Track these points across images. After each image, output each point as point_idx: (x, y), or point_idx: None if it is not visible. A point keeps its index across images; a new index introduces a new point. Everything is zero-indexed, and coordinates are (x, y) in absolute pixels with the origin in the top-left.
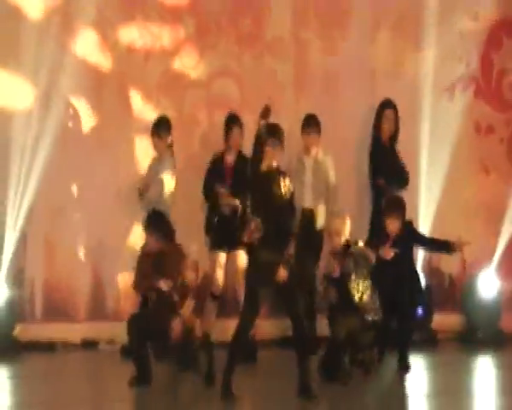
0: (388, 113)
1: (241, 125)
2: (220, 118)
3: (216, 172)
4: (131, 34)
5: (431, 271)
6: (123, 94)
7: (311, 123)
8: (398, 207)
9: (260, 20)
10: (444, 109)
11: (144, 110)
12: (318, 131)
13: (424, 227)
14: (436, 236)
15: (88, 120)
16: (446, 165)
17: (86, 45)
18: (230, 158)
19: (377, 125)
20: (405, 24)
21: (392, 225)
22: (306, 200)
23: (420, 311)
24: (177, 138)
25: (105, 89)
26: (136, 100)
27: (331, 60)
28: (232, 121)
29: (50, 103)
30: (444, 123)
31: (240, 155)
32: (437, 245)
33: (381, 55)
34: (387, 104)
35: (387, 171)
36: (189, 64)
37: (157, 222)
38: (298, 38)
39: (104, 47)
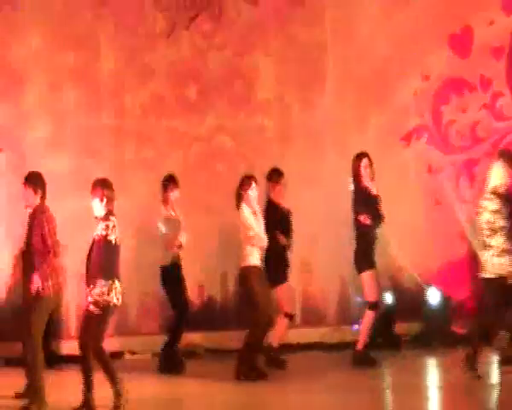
0: (366, 161)
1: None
2: (220, 167)
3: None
4: (145, 97)
5: (395, 286)
6: (140, 148)
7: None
8: None
9: (251, 84)
10: (401, 155)
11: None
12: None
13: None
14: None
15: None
16: (405, 201)
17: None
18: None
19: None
20: (369, 85)
21: None
22: None
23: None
24: (184, 186)
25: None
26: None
27: (310, 117)
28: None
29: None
30: (401, 166)
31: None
32: None
33: (350, 112)
34: (364, 154)
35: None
36: (193, 122)
37: None
38: (282, 99)
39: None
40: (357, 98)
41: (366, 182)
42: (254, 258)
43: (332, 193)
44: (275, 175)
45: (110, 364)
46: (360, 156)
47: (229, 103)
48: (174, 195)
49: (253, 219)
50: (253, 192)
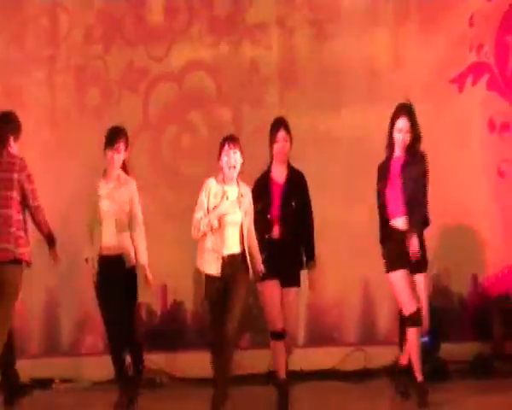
0: (402, 123)
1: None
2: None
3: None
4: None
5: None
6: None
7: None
8: None
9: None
10: (452, 103)
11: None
12: None
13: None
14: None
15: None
16: (456, 169)
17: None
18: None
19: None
20: (408, 6)
21: None
22: None
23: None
24: (144, 144)
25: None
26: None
27: (322, 49)
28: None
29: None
30: (452, 120)
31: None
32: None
33: (380, 41)
34: (402, 111)
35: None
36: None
37: None
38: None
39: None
40: (390, 23)
41: (397, 152)
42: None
43: (352, 158)
44: (272, 128)
45: None
46: (395, 114)
47: (209, 27)
48: (119, 157)
49: (202, 205)
50: (226, 160)
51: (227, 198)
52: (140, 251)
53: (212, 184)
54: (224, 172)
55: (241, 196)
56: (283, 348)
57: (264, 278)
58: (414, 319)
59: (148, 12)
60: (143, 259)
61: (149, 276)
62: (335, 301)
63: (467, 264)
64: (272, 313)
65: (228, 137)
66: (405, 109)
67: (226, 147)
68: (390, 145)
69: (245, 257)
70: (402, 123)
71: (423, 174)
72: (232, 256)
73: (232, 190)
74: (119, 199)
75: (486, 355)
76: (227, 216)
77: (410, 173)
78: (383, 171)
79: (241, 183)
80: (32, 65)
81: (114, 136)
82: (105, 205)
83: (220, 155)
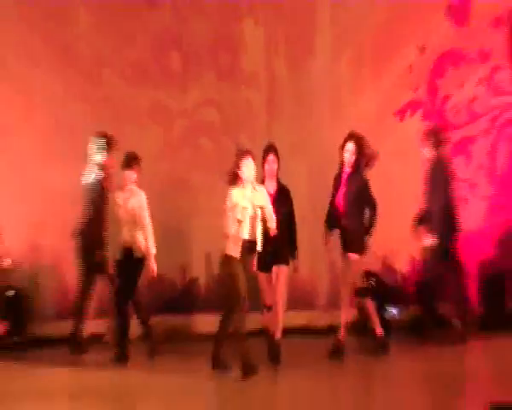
0: (349, 146)
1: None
2: (204, 142)
3: None
4: (124, 67)
5: (386, 268)
6: (114, 123)
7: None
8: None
9: (238, 56)
10: (395, 130)
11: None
12: None
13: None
14: (392, 239)
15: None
16: (398, 180)
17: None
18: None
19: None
20: (362, 57)
21: None
22: None
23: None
24: (166, 162)
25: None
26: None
27: (300, 91)
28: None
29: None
30: (395, 142)
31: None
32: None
33: (341, 83)
34: (348, 137)
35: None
36: (174, 95)
37: None
38: (270, 69)
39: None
40: (349, 69)
41: (346, 167)
42: (232, 249)
43: (324, 168)
44: (264, 152)
45: None
46: (345, 139)
47: (215, 75)
48: (134, 176)
49: (228, 208)
50: (246, 171)
51: (246, 198)
52: (149, 244)
53: (234, 192)
54: (244, 178)
55: (254, 189)
56: (271, 316)
57: (261, 270)
58: (360, 292)
59: (169, 62)
60: (152, 249)
61: (153, 265)
62: (309, 275)
63: (407, 248)
64: (264, 293)
65: (245, 150)
66: (353, 136)
67: (245, 159)
68: (341, 161)
69: (254, 245)
70: (349, 146)
71: (363, 187)
72: (246, 242)
73: (248, 190)
74: (131, 206)
75: (421, 319)
76: (246, 210)
77: (352, 184)
78: (336, 179)
79: (255, 183)
80: (74, 101)
81: (131, 160)
82: (121, 211)
83: (238, 164)
